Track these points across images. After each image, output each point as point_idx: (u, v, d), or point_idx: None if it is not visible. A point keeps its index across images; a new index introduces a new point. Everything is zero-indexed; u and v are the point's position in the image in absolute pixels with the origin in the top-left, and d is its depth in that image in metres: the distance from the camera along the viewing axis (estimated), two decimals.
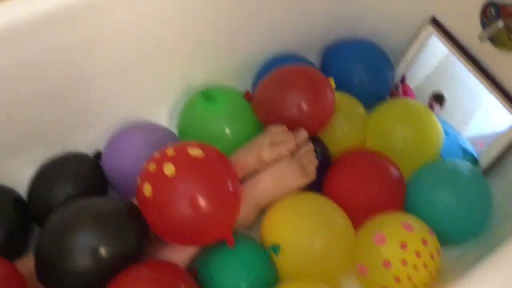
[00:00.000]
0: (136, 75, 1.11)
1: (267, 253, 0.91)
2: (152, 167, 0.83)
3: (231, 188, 0.84)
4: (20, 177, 1.05)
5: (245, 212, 0.95)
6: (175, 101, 1.20)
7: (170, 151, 0.85)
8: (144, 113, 1.17)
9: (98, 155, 1.10)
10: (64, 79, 1.02)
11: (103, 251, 0.80)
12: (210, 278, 0.88)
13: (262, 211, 0.99)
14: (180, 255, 0.90)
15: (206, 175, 0.82)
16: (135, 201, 0.87)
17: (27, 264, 0.86)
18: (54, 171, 1.02)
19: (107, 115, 1.14)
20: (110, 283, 0.80)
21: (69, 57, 0.99)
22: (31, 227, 1.03)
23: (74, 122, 1.11)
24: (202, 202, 0.80)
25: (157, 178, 0.82)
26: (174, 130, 1.16)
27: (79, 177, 1.02)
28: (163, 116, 1.20)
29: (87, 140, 1.14)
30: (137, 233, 0.85)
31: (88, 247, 0.80)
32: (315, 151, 1.02)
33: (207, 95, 1.09)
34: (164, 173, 0.81)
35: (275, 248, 0.90)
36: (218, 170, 0.84)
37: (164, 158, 0.83)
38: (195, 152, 0.84)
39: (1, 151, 1.05)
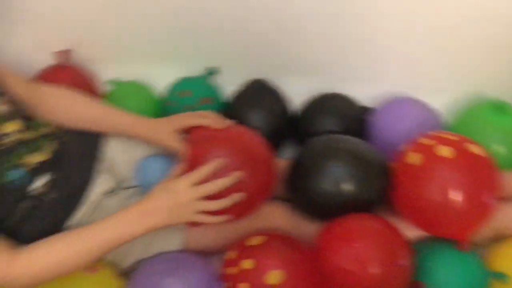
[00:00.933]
0: (422, 50, 1.13)
1: (494, 276, 0.89)
2: (429, 142, 0.85)
3: (489, 200, 0.82)
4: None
5: None
6: (454, 98, 1.19)
7: (452, 137, 0.85)
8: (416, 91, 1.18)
9: (364, 110, 1.16)
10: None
11: (348, 186, 0.87)
12: None
13: None
14: None
15: (479, 176, 0.81)
16: None
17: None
18: (334, 105, 1.12)
19: (383, 75, 1.18)
20: (339, 218, 0.86)
21: None
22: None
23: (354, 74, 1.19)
24: (461, 196, 0.80)
25: (431, 154, 0.83)
26: None
27: (349, 120, 1.10)
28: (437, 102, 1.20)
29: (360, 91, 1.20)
30: (383, 188, 0.90)
31: (339, 177, 0.88)
32: None
33: (498, 106, 1.06)
34: (438, 152, 0.82)
35: (504, 277, 0.87)
36: (490, 177, 0.83)
37: (445, 140, 0.84)
38: (475, 149, 0.83)
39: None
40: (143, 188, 0.96)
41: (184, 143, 0.89)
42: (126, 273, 0.91)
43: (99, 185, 0.94)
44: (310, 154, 0.93)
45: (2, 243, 0.76)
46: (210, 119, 0.91)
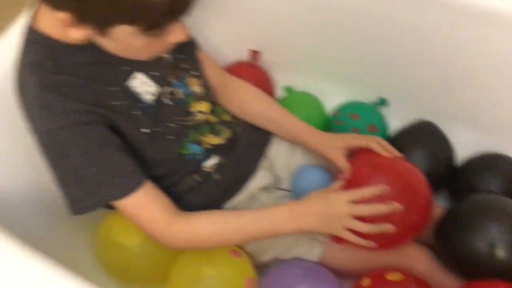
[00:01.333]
0: None
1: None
2: None
3: None
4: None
5: None
6: None
7: None
8: None
9: None
10: None
11: (503, 251, 0.85)
12: None
13: None
14: None
15: None
16: None
17: None
18: (501, 166, 1.08)
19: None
20: (484, 281, 0.83)
21: None
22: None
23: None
24: None
25: None
26: None
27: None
28: None
29: None
30: None
31: (495, 240, 0.85)
32: None
33: None
34: None
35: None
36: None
37: None
38: None
39: None
40: (296, 195, 1.01)
41: (348, 161, 0.93)
42: (260, 267, 0.96)
43: (259, 179, 1.00)
44: (470, 209, 0.91)
45: (168, 203, 0.84)
46: (377, 144, 0.93)
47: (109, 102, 0.79)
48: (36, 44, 0.76)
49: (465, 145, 1.16)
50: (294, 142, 1.05)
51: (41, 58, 0.76)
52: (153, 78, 0.85)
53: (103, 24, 0.68)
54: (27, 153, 0.84)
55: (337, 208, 0.83)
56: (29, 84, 0.76)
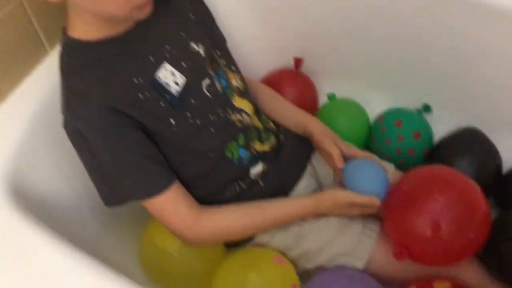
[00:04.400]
0: None
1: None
2: None
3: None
4: None
5: None
6: None
7: None
8: None
9: None
10: None
11: None
12: None
13: None
14: None
15: None
16: None
17: None
18: None
19: None
20: None
21: None
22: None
23: None
24: None
25: None
26: None
27: None
28: None
29: None
30: None
31: None
32: None
33: None
34: None
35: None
36: None
37: None
38: None
39: None
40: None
41: (408, 173, 0.93)
42: (304, 275, 0.97)
43: (303, 187, 1.01)
44: None
45: (193, 201, 0.87)
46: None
47: (135, 96, 0.80)
48: (68, 49, 0.80)
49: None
50: (299, 130, 1.04)
51: (68, 61, 0.80)
52: (183, 70, 0.85)
53: None
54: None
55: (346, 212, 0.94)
56: (61, 88, 0.80)
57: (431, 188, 0.85)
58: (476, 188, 0.87)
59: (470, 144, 1.11)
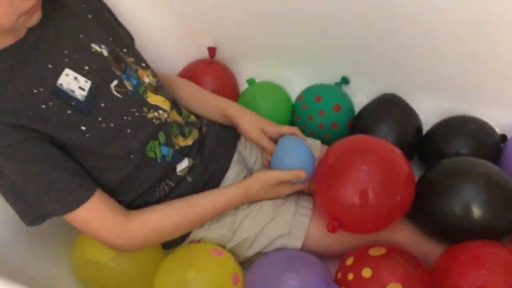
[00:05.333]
0: None
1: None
2: None
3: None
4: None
5: None
6: None
7: None
8: None
9: (503, 138, 1.11)
10: None
11: (480, 211, 0.85)
12: None
13: None
14: None
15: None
16: None
17: None
18: (470, 128, 1.09)
19: None
20: (466, 243, 0.84)
21: None
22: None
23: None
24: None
25: None
26: None
27: (485, 146, 1.07)
28: None
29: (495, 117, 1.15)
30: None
31: (472, 201, 0.86)
32: None
33: None
34: None
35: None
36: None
37: None
38: None
39: None
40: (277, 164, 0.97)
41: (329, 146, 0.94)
42: (245, 263, 0.96)
43: (233, 175, 1.00)
44: (443, 174, 0.92)
45: (117, 206, 0.84)
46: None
47: (38, 107, 0.76)
48: None
49: (430, 112, 1.18)
50: (222, 118, 1.04)
51: None
52: (87, 74, 0.82)
53: None
54: None
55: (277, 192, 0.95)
56: None
57: (353, 158, 0.87)
58: (396, 152, 0.89)
59: (390, 110, 1.13)
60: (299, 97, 1.24)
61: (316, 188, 0.92)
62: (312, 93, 1.21)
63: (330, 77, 1.26)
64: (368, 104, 1.18)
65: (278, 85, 1.26)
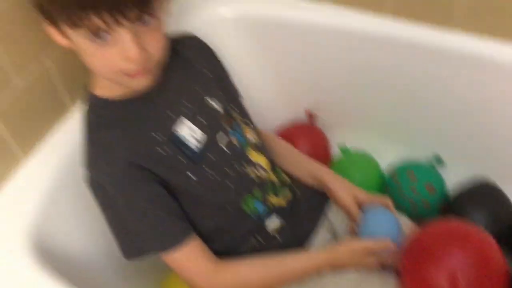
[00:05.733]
0: None
1: None
2: None
3: None
4: None
5: None
6: None
7: None
8: None
9: None
10: None
11: None
12: None
13: None
14: None
15: None
16: None
17: None
18: None
19: None
20: None
21: None
22: None
23: None
24: None
25: None
26: None
27: None
28: None
29: None
30: None
31: None
32: None
33: None
34: None
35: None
36: None
37: None
38: None
39: None
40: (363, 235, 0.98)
41: (422, 227, 0.94)
42: None
43: (319, 240, 1.01)
44: None
45: (211, 254, 0.87)
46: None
47: (155, 150, 0.82)
48: (93, 107, 0.84)
49: None
50: (315, 182, 1.05)
51: (94, 118, 0.83)
52: (201, 125, 0.88)
53: (53, 21, 0.72)
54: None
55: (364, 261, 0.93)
56: (85, 143, 0.83)
57: (449, 242, 0.86)
58: (493, 244, 0.87)
59: (484, 197, 1.12)
60: (391, 171, 1.24)
61: (403, 265, 0.92)
62: (405, 168, 1.21)
63: (422, 153, 1.26)
64: (462, 188, 1.17)
65: (371, 156, 1.28)
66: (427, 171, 1.21)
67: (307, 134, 1.28)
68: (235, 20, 1.20)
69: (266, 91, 1.31)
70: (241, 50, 1.22)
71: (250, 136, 0.97)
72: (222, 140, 0.90)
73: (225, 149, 0.90)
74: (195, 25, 1.11)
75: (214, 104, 0.92)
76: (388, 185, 1.22)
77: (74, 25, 0.68)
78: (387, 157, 1.29)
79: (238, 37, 1.22)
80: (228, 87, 1.00)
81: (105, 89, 0.82)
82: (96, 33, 0.69)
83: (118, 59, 0.72)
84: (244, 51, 1.23)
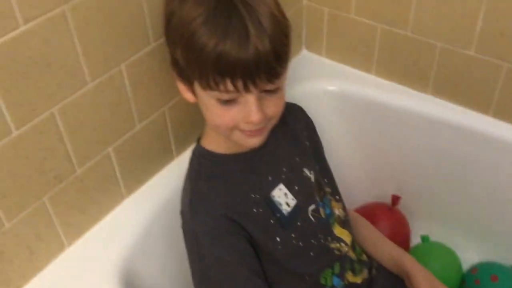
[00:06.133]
0: None
1: None
2: None
3: None
4: None
5: None
6: None
7: None
8: None
9: None
10: None
11: None
12: None
13: None
14: None
15: None
16: None
17: None
18: None
19: None
20: None
21: None
22: None
23: None
24: None
25: None
26: None
27: None
28: None
29: None
30: None
31: None
32: None
33: None
34: None
35: None
36: None
37: None
38: None
39: None
40: None
41: None
42: None
43: None
44: None
45: None
46: None
47: (250, 209, 0.85)
48: (199, 158, 0.89)
49: None
50: (394, 266, 1.03)
51: (198, 168, 0.88)
52: (295, 193, 0.90)
53: (187, 80, 0.78)
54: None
55: None
56: (185, 190, 0.88)
57: None
58: None
59: None
60: (472, 269, 1.21)
61: None
62: (488, 269, 1.18)
63: (504, 257, 1.22)
64: None
65: (452, 250, 1.25)
66: (510, 275, 1.16)
67: (389, 216, 1.27)
68: (335, 96, 1.25)
69: (354, 170, 1.33)
70: (336, 126, 1.27)
71: (337, 210, 0.99)
72: (311, 211, 0.93)
73: (313, 219, 0.92)
74: (296, 95, 1.16)
75: (310, 175, 0.95)
76: (468, 283, 1.18)
77: (209, 87, 0.73)
78: (468, 255, 1.26)
79: (334, 114, 1.26)
80: (323, 162, 1.04)
81: (213, 144, 0.88)
82: (226, 99, 0.74)
83: (239, 119, 0.76)
84: (338, 128, 1.27)
